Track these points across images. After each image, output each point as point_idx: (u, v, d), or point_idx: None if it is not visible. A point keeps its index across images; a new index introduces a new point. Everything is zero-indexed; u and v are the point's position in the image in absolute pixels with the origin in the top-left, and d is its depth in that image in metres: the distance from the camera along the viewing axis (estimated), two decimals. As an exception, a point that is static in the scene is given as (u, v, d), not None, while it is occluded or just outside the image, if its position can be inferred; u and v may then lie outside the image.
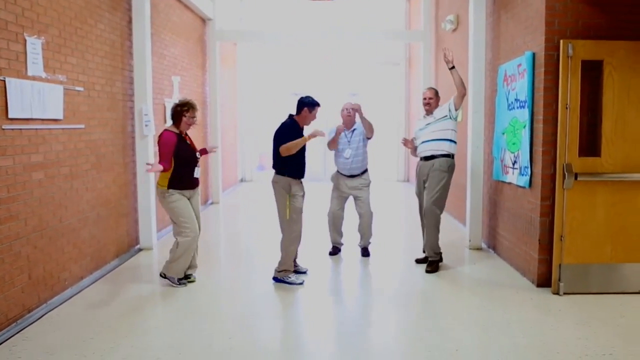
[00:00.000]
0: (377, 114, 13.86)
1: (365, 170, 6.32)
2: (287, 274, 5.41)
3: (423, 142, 5.82)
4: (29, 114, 4.35)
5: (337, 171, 6.37)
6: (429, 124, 5.81)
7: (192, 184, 5.25)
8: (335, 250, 6.54)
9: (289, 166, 5.31)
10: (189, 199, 5.26)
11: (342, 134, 6.25)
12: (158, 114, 7.36)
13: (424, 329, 4.24)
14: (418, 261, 6.09)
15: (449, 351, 3.79)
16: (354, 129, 6.24)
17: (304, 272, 5.68)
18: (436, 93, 5.91)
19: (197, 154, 5.28)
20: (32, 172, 4.44)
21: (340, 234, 6.54)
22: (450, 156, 5.73)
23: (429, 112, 5.88)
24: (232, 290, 5.32)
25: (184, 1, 8.60)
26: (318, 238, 7.18)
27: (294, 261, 5.55)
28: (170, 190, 5.10)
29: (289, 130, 5.36)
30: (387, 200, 11.01)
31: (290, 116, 5.52)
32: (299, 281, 5.37)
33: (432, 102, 5.84)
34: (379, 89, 14.33)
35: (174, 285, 5.21)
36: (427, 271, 5.72)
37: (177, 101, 5.22)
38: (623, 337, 4.00)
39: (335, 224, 6.45)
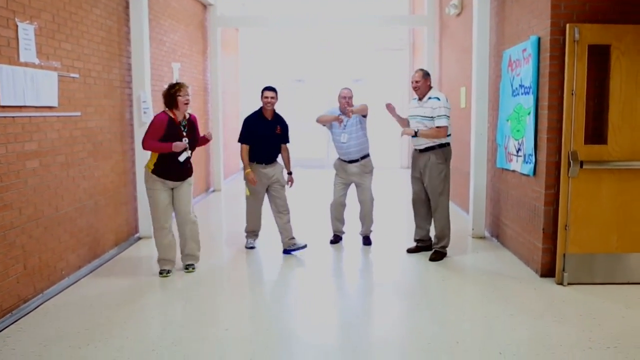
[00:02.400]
0: (380, 100, 13.78)
1: (366, 156, 6.19)
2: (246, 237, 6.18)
3: (414, 135, 5.59)
4: (22, 101, 4.27)
5: (338, 157, 6.26)
6: (416, 116, 5.59)
7: (177, 174, 5.08)
8: (336, 239, 6.46)
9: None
10: (172, 190, 5.14)
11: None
12: (157, 100, 7.24)
13: (424, 320, 4.17)
14: (410, 251, 5.99)
15: (449, 343, 3.72)
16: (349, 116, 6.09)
17: (302, 247, 6.03)
18: (424, 75, 5.62)
19: (185, 139, 5.03)
20: (26, 160, 4.37)
21: (342, 222, 6.45)
22: (445, 145, 5.61)
23: (420, 96, 5.64)
24: (231, 280, 5.27)
25: (183, -14, 8.48)
26: (318, 226, 7.10)
27: (286, 238, 6.00)
28: (153, 176, 5.01)
29: (250, 120, 5.88)
30: (389, 188, 10.92)
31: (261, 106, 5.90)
32: (249, 246, 6.17)
33: (419, 84, 5.58)
34: (382, 74, 14.18)
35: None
36: (431, 259, 5.66)
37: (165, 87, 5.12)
38: (628, 329, 3.91)
39: (337, 211, 6.36)
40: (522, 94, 5.42)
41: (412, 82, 5.68)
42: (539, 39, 5.05)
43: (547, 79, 4.89)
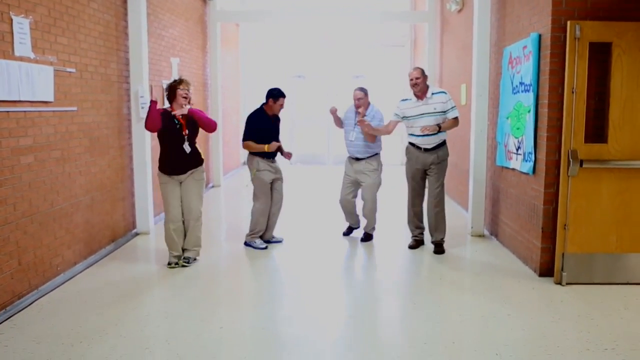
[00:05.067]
0: (381, 96, 13.71)
1: (373, 155, 6.18)
2: (253, 238, 6.02)
3: (424, 135, 5.61)
4: (16, 96, 4.22)
5: (348, 155, 6.33)
6: (424, 114, 5.59)
7: (177, 167, 5.19)
8: (349, 231, 6.63)
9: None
10: (180, 184, 5.27)
11: (351, 115, 6.24)
12: (156, 95, 7.21)
13: (421, 319, 4.13)
14: (411, 247, 6.02)
15: (445, 343, 3.68)
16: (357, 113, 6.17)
17: (279, 241, 6.23)
18: (422, 72, 5.69)
19: (178, 124, 5.12)
20: (21, 155, 4.33)
21: (354, 217, 6.54)
22: (445, 142, 5.83)
23: (419, 95, 5.65)
24: (229, 277, 5.24)
25: (183, -20, 8.42)
26: (319, 222, 7.07)
27: (271, 232, 6.18)
28: (159, 172, 5.25)
29: (256, 118, 5.95)
30: (390, 185, 10.87)
31: (262, 104, 6.00)
32: (262, 246, 5.98)
33: (419, 81, 5.60)
34: (383, 70, 14.12)
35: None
36: (438, 252, 5.77)
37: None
38: (626, 330, 3.87)
39: (346, 209, 6.45)
40: (522, 91, 5.37)
41: (412, 79, 5.66)
42: (540, 36, 4.99)
43: (548, 77, 4.84)
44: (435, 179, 5.79)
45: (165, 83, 7.55)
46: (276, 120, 6.05)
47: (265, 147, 5.80)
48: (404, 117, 5.82)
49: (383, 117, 6.18)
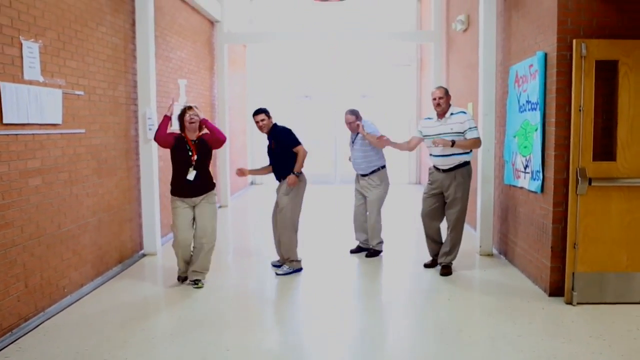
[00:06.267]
0: (388, 116, 13.73)
1: (375, 171, 6.32)
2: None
3: (440, 155, 5.58)
4: (25, 119, 4.26)
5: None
6: (441, 134, 5.52)
7: (186, 191, 5.22)
8: (357, 249, 6.64)
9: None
10: (193, 208, 5.29)
11: (352, 137, 6.50)
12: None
13: (428, 341, 4.08)
14: (427, 266, 5.96)
15: (455, 366, 3.63)
16: (358, 133, 6.32)
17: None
18: (446, 92, 5.62)
19: (193, 158, 5.18)
20: (29, 178, 4.35)
21: (362, 232, 6.56)
22: (468, 163, 5.66)
23: (440, 114, 5.61)
24: (237, 299, 5.19)
25: (190, 3, 8.52)
26: (328, 240, 7.04)
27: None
28: (171, 196, 5.29)
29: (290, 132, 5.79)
30: (397, 203, 10.83)
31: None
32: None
33: (442, 102, 5.55)
34: (390, 90, 14.15)
35: None
36: (444, 274, 5.66)
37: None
38: (639, 351, 3.80)
39: (356, 219, 6.57)
40: (529, 110, 5.36)
41: (434, 99, 5.59)
42: (546, 54, 4.99)
43: (554, 95, 4.83)
44: (453, 204, 5.62)
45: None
46: (271, 139, 5.76)
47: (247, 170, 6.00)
48: (424, 135, 5.79)
49: (377, 127, 6.34)
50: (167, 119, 5.26)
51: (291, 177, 5.61)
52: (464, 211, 5.69)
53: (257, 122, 5.68)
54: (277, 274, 5.72)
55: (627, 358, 3.68)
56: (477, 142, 5.50)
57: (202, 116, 5.32)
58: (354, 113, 6.33)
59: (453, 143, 5.37)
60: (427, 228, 5.89)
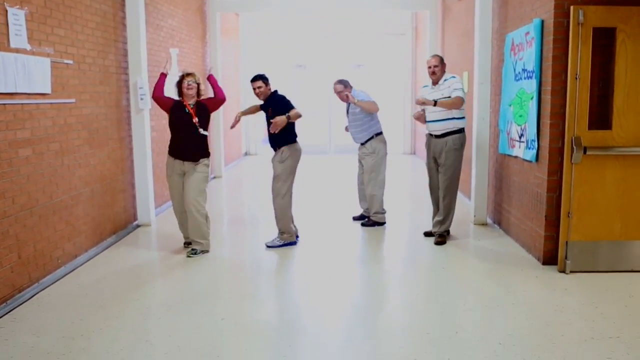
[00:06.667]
0: (382, 86, 13.65)
1: (369, 139, 6.36)
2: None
3: (433, 121, 5.63)
4: (12, 88, 4.17)
5: None
6: (436, 100, 5.51)
7: (180, 153, 5.33)
8: (360, 217, 6.68)
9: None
10: (184, 174, 5.36)
11: (346, 107, 6.51)
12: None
13: (423, 309, 4.11)
14: (427, 234, 5.98)
15: (448, 334, 3.65)
16: (350, 103, 6.39)
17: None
18: (441, 60, 5.63)
19: (194, 119, 5.32)
20: (19, 148, 4.29)
21: (364, 201, 6.61)
22: (461, 131, 5.65)
23: (435, 81, 5.63)
24: (231, 268, 5.20)
25: (181, -30, 8.33)
26: (325, 211, 7.04)
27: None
28: (168, 156, 5.47)
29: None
30: (393, 173, 10.83)
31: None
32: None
33: (437, 70, 5.57)
34: (384, 59, 14.04)
35: None
36: (438, 243, 5.69)
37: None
38: (631, 318, 3.84)
39: (360, 187, 6.64)
40: (524, 78, 5.31)
41: (430, 67, 5.63)
42: (542, 21, 4.92)
43: (551, 63, 4.77)
44: (443, 170, 5.65)
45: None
46: (268, 106, 5.63)
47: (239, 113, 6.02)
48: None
49: (368, 94, 6.37)
50: (163, 77, 5.47)
51: (281, 117, 5.36)
52: (456, 179, 5.70)
53: (254, 89, 5.61)
54: (267, 246, 5.69)
55: (620, 326, 3.72)
56: (457, 100, 5.42)
57: (201, 82, 5.49)
58: (342, 82, 6.37)
59: (435, 103, 5.39)
60: (431, 194, 5.97)
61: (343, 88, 6.31)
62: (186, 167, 5.35)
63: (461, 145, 5.66)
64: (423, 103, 5.45)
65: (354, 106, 6.29)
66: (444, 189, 5.70)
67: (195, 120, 5.30)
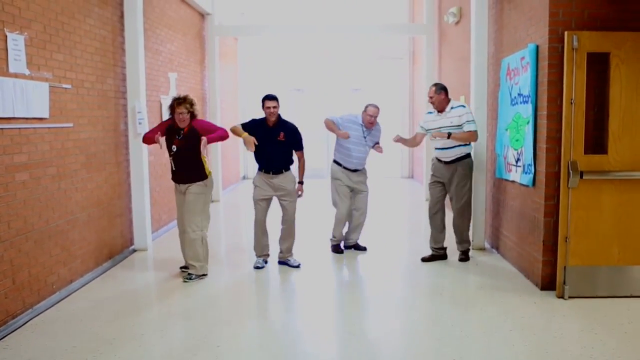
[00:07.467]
0: (380, 109, 13.68)
1: (364, 167, 6.38)
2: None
3: (442, 148, 5.74)
4: (10, 113, 4.19)
5: (341, 165, 6.20)
6: (442, 127, 5.65)
7: (175, 177, 5.38)
8: (341, 248, 6.43)
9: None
10: (184, 194, 5.40)
11: (357, 128, 6.10)
12: (154, 111, 7.20)
13: (421, 335, 4.06)
14: (424, 260, 5.94)
15: (446, 359, 3.61)
16: (372, 129, 6.20)
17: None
18: (439, 89, 5.72)
19: (173, 147, 5.28)
20: (16, 173, 4.28)
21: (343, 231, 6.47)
22: (468, 156, 5.82)
23: (439, 109, 5.75)
24: (228, 294, 5.15)
25: (180, -5, 8.43)
26: (321, 236, 7.01)
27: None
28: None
29: (251, 121, 5.78)
30: (391, 197, 10.82)
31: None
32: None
33: (433, 100, 5.74)
34: (382, 83, 14.11)
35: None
36: (462, 260, 5.89)
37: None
38: (631, 344, 3.80)
39: (347, 221, 6.36)
40: (520, 102, 5.34)
41: (429, 97, 5.80)
42: (537, 47, 4.97)
43: (546, 88, 4.81)
44: (456, 198, 5.79)
45: (163, 97, 7.55)
46: (279, 130, 5.58)
47: (243, 135, 5.56)
48: (427, 129, 5.91)
49: (357, 116, 6.25)
50: (157, 132, 5.30)
51: (300, 188, 5.78)
52: (469, 202, 5.86)
53: (268, 108, 5.50)
54: (291, 266, 5.83)
55: (619, 352, 3.68)
56: (472, 135, 5.60)
57: (196, 110, 5.35)
58: (379, 107, 6.15)
59: (449, 135, 5.53)
60: (433, 220, 5.96)
61: (378, 113, 6.10)
62: (182, 188, 5.39)
63: (470, 170, 5.84)
64: (437, 137, 5.60)
65: (375, 134, 6.18)
66: (456, 210, 5.86)
67: (172, 149, 5.28)
